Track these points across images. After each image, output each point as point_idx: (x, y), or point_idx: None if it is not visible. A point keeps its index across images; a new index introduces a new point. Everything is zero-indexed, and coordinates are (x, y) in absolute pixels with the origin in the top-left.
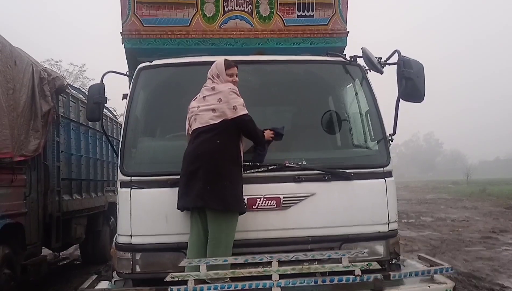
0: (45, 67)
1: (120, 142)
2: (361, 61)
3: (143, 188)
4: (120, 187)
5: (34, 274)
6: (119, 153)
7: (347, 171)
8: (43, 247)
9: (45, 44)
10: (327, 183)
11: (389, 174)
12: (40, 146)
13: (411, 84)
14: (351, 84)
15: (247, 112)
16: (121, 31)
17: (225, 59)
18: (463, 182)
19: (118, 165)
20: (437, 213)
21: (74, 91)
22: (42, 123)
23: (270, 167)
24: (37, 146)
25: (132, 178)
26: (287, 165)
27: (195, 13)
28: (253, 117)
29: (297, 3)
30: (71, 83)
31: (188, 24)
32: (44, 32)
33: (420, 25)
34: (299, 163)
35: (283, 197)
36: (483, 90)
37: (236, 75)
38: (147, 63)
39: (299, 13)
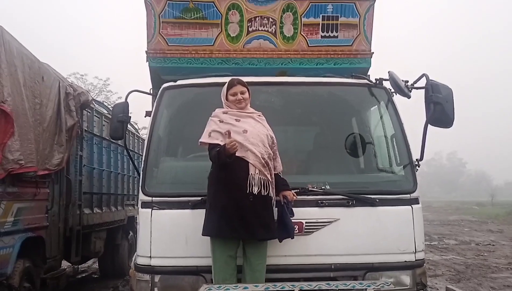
0: (71, 82)
1: (142, 162)
2: (387, 84)
3: (164, 209)
4: (141, 207)
5: (53, 288)
6: (141, 172)
7: (372, 196)
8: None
9: (74, 56)
10: (351, 208)
11: (416, 201)
12: (64, 160)
13: (440, 109)
14: (376, 106)
15: (203, 140)
16: (146, 50)
17: (231, 79)
18: (488, 203)
19: (140, 185)
20: (461, 236)
21: (98, 106)
22: (67, 138)
23: (292, 191)
24: (61, 160)
25: (153, 198)
26: (310, 188)
27: (219, 32)
28: (276, 137)
29: (321, 24)
30: (95, 97)
31: (212, 44)
32: (74, 45)
33: (452, 52)
34: (323, 187)
35: (306, 222)
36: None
37: (241, 93)
38: (171, 83)
39: (323, 34)
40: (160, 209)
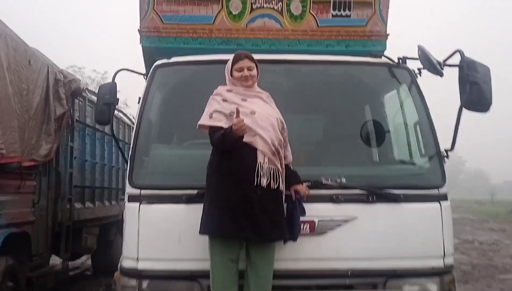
0: (62, 69)
1: (131, 149)
2: (410, 64)
3: (154, 203)
4: (128, 201)
5: (41, 286)
6: (129, 160)
7: (395, 191)
8: (53, 255)
9: (70, 51)
10: (371, 205)
11: (444, 197)
12: (52, 151)
13: (477, 90)
14: (398, 89)
15: (203, 122)
16: (139, 28)
17: (237, 52)
18: (487, 202)
19: (127, 175)
20: (463, 235)
21: (91, 95)
22: (56, 127)
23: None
24: (49, 151)
25: (142, 191)
26: (323, 182)
27: (220, 10)
28: (287, 123)
29: (333, 1)
30: (93, 90)
31: (212, 22)
32: (69, 39)
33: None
34: (338, 180)
35: (319, 221)
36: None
37: (248, 69)
38: (165, 60)
39: (334, 13)
40: (149, 203)
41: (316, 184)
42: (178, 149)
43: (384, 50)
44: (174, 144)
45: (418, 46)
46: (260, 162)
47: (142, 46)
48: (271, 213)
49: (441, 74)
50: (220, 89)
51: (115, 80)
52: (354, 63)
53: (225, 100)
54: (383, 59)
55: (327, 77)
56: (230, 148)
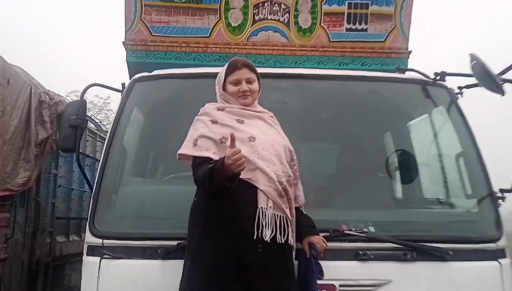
0: (48, 90)
1: (95, 184)
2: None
3: (120, 258)
4: (86, 254)
5: None
6: (91, 198)
7: (441, 246)
8: None
9: (73, 75)
10: (409, 264)
11: (502, 253)
12: (31, 179)
13: None
14: (434, 112)
15: (185, 151)
16: (124, 40)
17: (232, 59)
18: None
19: (88, 218)
20: None
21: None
22: (37, 153)
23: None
24: (27, 179)
25: (105, 241)
26: (346, 231)
27: (218, 21)
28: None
29: (347, 13)
30: (95, 115)
31: (208, 35)
32: (76, 63)
33: None
34: (365, 229)
35: (340, 285)
36: None
37: (248, 82)
38: (144, 74)
39: (348, 26)
40: (113, 258)
41: (336, 235)
42: (157, 185)
43: None
44: (152, 179)
45: (471, 56)
46: (262, 208)
47: (127, 62)
48: (277, 278)
49: (502, 93)
50: (209, 107)
51: (84, 98)
52: (380, 80)
53: (214, 122)
54: (415, 75)
55: (345, 96)
56: (221, 189)
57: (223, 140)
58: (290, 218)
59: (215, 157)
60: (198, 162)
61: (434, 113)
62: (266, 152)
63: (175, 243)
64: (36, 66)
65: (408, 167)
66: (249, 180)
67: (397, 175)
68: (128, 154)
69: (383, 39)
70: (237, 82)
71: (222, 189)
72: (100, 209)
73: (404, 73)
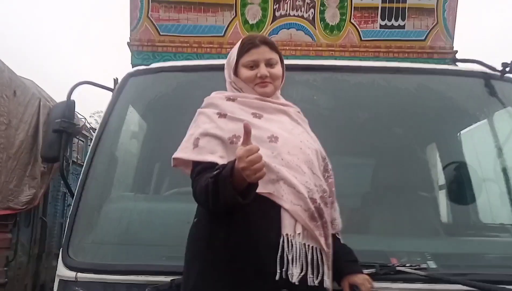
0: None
1: (73, 201)
2: None
3: None
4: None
5: None
6: (68, 218)
7: None
8: None
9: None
10: None
11: None
12: (37, 197)
13: None
14: (500, 114)
15: (181, 155)
16: (129, 41)
17: (247, 36)
18: None
19: (62, 243)
20: None
21: (94, 134)
22: (44, 170)
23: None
24: (32, 197)
25: (79, 274)
26: (398, 267)
27: (233, 18)
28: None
29: (381, 7)
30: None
31: (223, 34)
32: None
33: None
34: (423, 265)
35: None
36: None
37: (268, 64)
38: (141, 67)
39: (383, 23)
40: None
41: (385, 272)
42: (149, 201)
43: None
44: (145, 195)
45: None
46: (287, 235)
47: (132, 64)
48: None
49: None
50: (215, 97)
51: (72, 98)
52: (433, 72)
53: (222, 115)
54: (476, 67)
55: (386, 94)
56: (230, 207)
57: (234, 139)
58: (326, 249)
59: (223, 162)
60: (200, 169)
61: (500, 115)
62: (293, 157)
63: (168, 279)
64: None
65: (461, 183)
66: (269, 195)
67: (447, 193)
68: (119, 162)
69: (423, 38)
70: (253, 65)
71: (231, 207)
72: (77, 232)
73: (457, 64)
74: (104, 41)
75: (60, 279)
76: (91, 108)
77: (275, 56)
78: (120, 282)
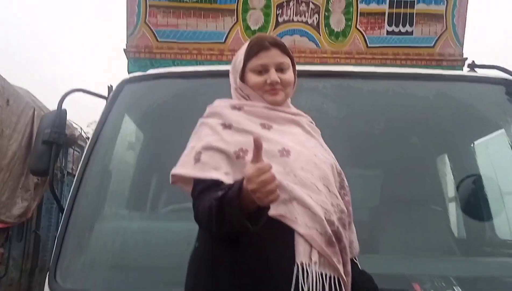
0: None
1: (63, 217)
2: None
3: None
4: None
5: None
6: (56, 238)
7: None
8: None
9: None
10: None
11: None
12: (30, 210)
13: None
14: None
15: (181, 172)
16: (125, 48)
17: (255, 37)
18: None
19: (49, 267)
20: None
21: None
22: (38, 181)
23: None
24: (25, 210)
25: None
26: None
27: (235, 24)
28: None
29: (388, 13)
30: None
31: (224, 40)
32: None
33: None
34: None
35: None
36: None
37: (278, 69)
38: (137, 73)
39: (390, 29)
40: None
41: None
42: (146, 220)
43: None
44: (141, 213)
45: None
46: (302, 263)
47: (128, 72)
48: None
49: None
50: (219, 105)
51: (64, 107)
52: (451, 79)
53: (227, 126)
54: (497, 73)
55: (400, 102)
56: (236, 232)
57: (241, 153)
58: (345, 278)
59: (228, 180)
60: (202, 188)
61: None
62: (307, 173)
63: None
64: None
65: (476, 196)
66: (281, 217)
67: (462, 207)
68: (113, 177)
69: (432, 44)
70: (263, 70)
71: (238, 232)
72: (66, 254)
73: (475, 70)
74: (100, 48)
75: None
76: (88, 117)
77: (286, 60)
78: None
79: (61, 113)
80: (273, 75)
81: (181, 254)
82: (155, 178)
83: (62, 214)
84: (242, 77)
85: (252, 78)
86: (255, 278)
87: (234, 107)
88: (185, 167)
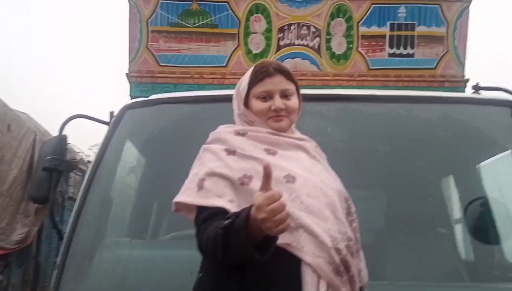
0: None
1: (62, 245)
2: None
3: None
4: None
5: None
6: (56, 268)
7: None
8: None
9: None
10: None
11: None
12: (30, 236)
13: None
14: None
15: (182, 199)
16: (127, 72)
17: (260, 62)
18: None
19: None
20: None
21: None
22: (38, 207)
23: None
24: (25, 236)
25: None
26: None
27: (236, 48)
28: None
29: (389, 35)
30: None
31: (225, 64)
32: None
33: None
34: None
35: None
36: None
37: (283, 96)
38: (139, 99)
39: (391, 51)
40: None
41: None
42: (148, 248)
43: None
44: (143, 241)
45: None
46: None
47: (131, 96)
48: None
49: None
50: (223, 131)
51: (65, 133)
52: (453, 101)
53: (231, 152)
54: (497, 95)
55: (404, 125)
56: (242, 262)
57: (245, 180)
58: None
59: (232, 208)
60: (206, 216)
61: None
62: (314, 200)
63: None
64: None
65: (483, 219)
66: (288, 246)
67: (468, 229)
68: (114, 204)
69: (433, 66)
70: (267, 96)
71: (244, 262)
72: (66, 283)
73: (479, 92)
74: (102, 73)
75: None
76: (89, 140)
77: (291, 87)
78: None
79: (61, 140)
80: (278, 102)
81: (184, 284)
82: (156, 205)
83: (62, 241)
84: (246, 103)
85: (257, 104)
86: None
87: (238, 133)
88: (188, 194)
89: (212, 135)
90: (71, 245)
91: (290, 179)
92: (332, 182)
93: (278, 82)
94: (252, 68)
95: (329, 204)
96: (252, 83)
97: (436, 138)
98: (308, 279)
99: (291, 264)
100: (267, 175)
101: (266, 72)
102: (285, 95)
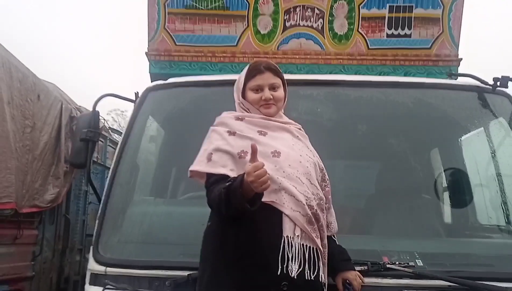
0: (80, 106)
1: (101, 203)
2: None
3: (124, 289)
4: (89, 283)
5: None
6: (97, 220)
7: (504, 285)
8: None
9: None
10: None
11: None
12: (60, 196)
13: None
14: (493, 124)
15: (197, 168)
16: (147, 51)
17: (253, 62)
18: None
19: (92, 242)
20: None
21: (114, 135)
22: (66, 169)
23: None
24: (56, 196)
25: (108, 269)
26: (388, 265)
27: (245, 28)
28: (328, 172)
29: (388, 17)
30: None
31: (235, 44)
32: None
33: None
34: (411, 263)
35: None
36: None
37: (271, 88)
38: (159, 82)
39: (389, 32)
40: (116, 288)
41: (376, 269)
42: (168, 205)
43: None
44: (164, 199)
45: None
46: (288, 237)
47: (150, 73)
48: None
49: None
50: (226, 116)
51: (97, 109)
52: (428, 86)
53: (232, 133)
54: (470, 81)
55: (387, 106)
56: (239, 213)
57: (242, 154)
58: (322, 249)
59: (233, 174)
60: (213, 180)
61: (492, 126)
62: (293, 170)
63: (185, 273)
64: (81, 86)
65: (459, 187)
66: (273, 203)
67: (447, 197)
68: (140, 169)
69: (429, 46)
70: (258, 89)
71: (240, 213)
72: (105, 232)
73: (456, 79)
74: (123, 51)
75: (91, 273)
76: (107, 106)
77: (278, 81)
78: (143, 276)
79: (95, 115)
80: (267, 93)
81: (196, 233)
82: (174, 171)
83: (100, 202)
84: (243, 94)
85: (251, 95)
86: (252, 248)
87: (237, 118)
88: (200, 165)
89: (217, 119)
90: (108, 203)
91: (276, 153)
92: (310, 156)
93: (267, 78)
94: (247, 67)
95: (305, 173)
96: (247, 79)
97: (414, 117)
98: (287, 226)
99: (275, 216)
100: (253, 151)
101: (258, 70)
102: (273, 87)
